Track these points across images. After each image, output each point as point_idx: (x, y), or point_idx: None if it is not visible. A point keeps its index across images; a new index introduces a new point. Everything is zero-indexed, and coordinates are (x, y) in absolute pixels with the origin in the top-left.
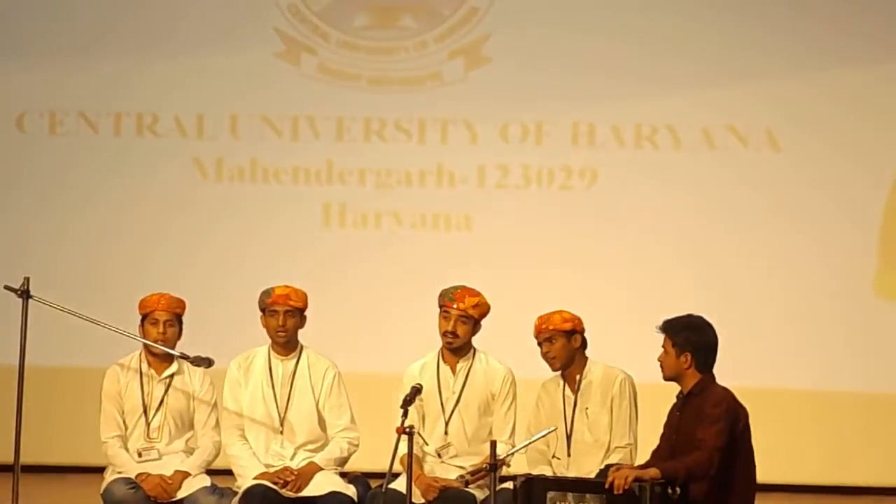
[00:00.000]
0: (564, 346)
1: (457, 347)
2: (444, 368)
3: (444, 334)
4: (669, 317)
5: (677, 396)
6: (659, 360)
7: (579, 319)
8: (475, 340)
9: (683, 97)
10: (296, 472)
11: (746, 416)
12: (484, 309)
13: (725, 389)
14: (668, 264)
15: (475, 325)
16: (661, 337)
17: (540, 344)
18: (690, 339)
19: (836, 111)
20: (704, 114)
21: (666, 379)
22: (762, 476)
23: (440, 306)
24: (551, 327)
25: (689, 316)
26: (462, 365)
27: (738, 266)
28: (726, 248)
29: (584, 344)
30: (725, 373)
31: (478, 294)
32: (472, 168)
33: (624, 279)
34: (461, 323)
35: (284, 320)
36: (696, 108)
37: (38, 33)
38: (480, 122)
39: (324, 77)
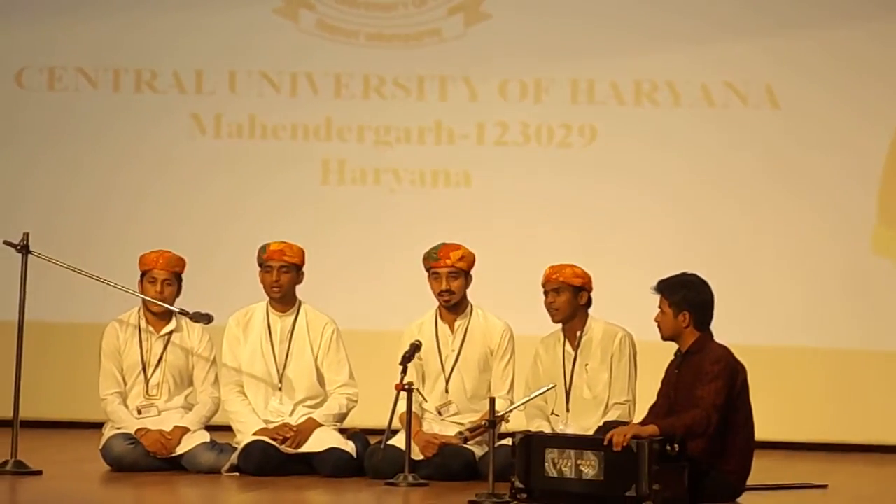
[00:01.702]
0: (570, 300)
1: (454, 304)
2: (443, 327)
3: (439, 294)
4: (664, 277)
5: (675, 354)
6: (656, 320)
7: (590, 278)
8: (472, 297)
9: (683, 54)
10: (295, 428)
11: (745, 373)
12: (470, 259)
13: (724, 347)
14: (666, 221)
15: (466, 278)
16: (658, 295)
17: (546, 293)
18: (687, 298)
19: (835, 68)
20: (704, 71)
21: (664, 338)
22: (760, 434)
23: (427, 269)
24: (561, 279)
25: (685, 274)
26: (460, 322)
27: (737, 223)
28: (725, 205)
29: (588, 302)
30: (723, 330)
31: (460, 247)
32: (472, 125)
33: (623, 236)
34: (452, 279)
35: (279, 276)
36: (695, 65)
37: None
38: (480, 79)
39: (322, 33)
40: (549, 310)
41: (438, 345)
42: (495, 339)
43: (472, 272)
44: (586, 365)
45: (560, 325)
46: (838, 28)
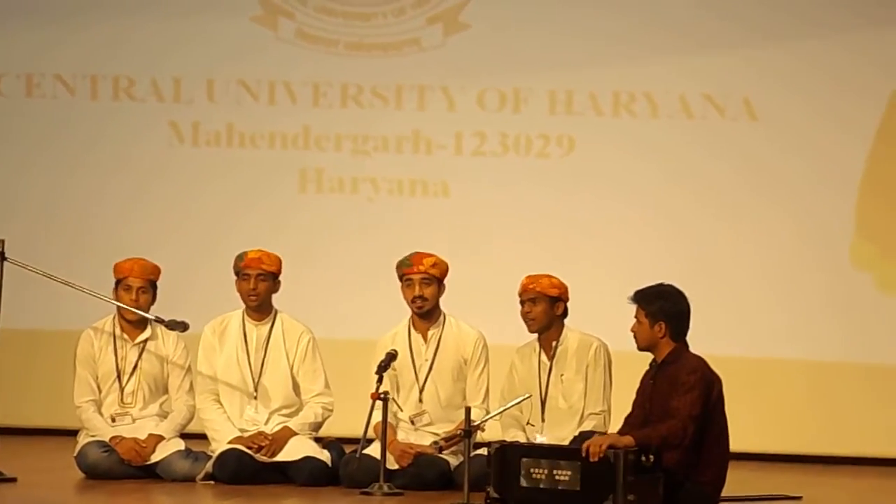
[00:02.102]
0: (546, 310)
1: (427, 312)
2: (416, 336)
3: (412, 301)
4: (641, 287)
5: (651, 364)
6: (632, 330)
7: (566, 288)
8: (449, 306)
9: (661, 65)
10: (270, 437)
11: (720, 384)
12: (443, 267)
13: (699, 358)
14: (644, 232)
15: (440, 286)
16: (634, 305)
17: (522, 303)
18: (664, 309)
19: (813, 80)
20: (682, 82)
21: (640, 349)
22: (736, 445)
23: (400, 277)
24: (538, 289)
25: (661, 285)
26: (433, 331)
27: (715, 234)
28: (703, 217)
29: (564, 312)
30: (701, 341)
31: (432, 255)
32: (450, 135)
33: (600, 247)
34: (425, 285)
35: (256, 284)
36: (673, 77)
37: None
38: (458, 89)
39: (301, 42)
40: (525, 320)
41: (412, 354)
42: (468, 348)
43: (449, 282)
44: (561, 375)
45: (536, 335)
46: (816, 40)
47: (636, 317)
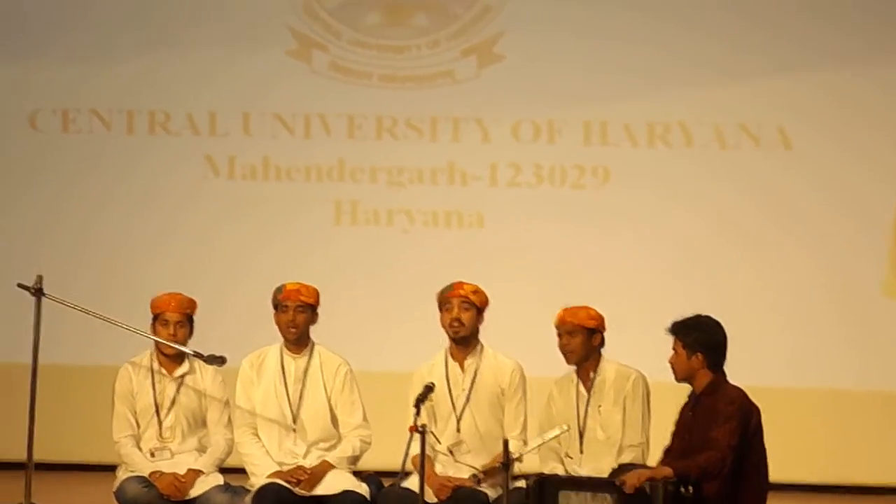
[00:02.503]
0: (584, 342)
1: (463, 339)
2: (453, 366)
3: (449, 325)
4: (678, 318)
5: (689, 395)
6: (670, 361)
7: (603, 319)
8: (485, 337)
9: (696, 96)
10: (308, 471)
11: (759, 414)
12: (482, 297)
13: (738, 388)
14: (679, 262)
15: (478, 314)
16: (672, 337)
17: (560, 335)
18: (700, 340)
19: (848, 112)
20: (716, 112)
21: (678, 380)
22: (775, 475)
23: (440, 304)
24: (576, 322)
25: (698, 316)
26: (470, 362)
27: (748, 264)
28: (736, 246)
29: (602, 343)
30: (735, 372)
31: (474, 284)
32: (485, 166)
33: (636, 278)
34: (464, 310)
35: (295, 316)
36: (708, 107)
37: (52, 31)
38: (492, 121)
39: (336, 75)
40: (563, 352)
41: (449, 385)
42: (506, 378)
43: (486, 313)
44: (599, 406)
45: (573, 367)
46: (850, 73)
47: (674, 348)
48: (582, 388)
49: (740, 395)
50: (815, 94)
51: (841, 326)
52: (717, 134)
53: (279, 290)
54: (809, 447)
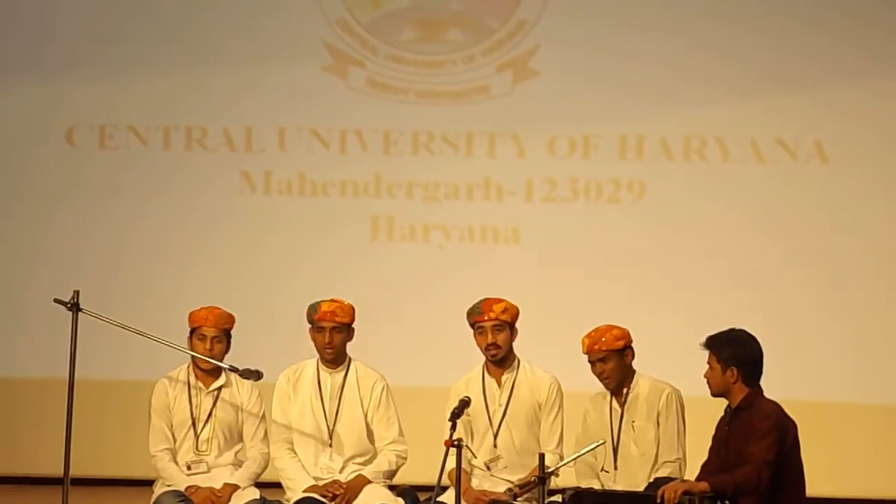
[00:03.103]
0: (618, 364)
1: (501, 358)
2: (490, 381)
3: (486, 349)
4: (712, 333)
5: (725, 410)
6: (705, 376)
7: (628, 333)
8: (521, 352)
9: (732, 109)
10: (344, 486)
11: (795, 429)
12: (513, 312)
13: (774, 403)
14: (716, 277)
15: (512, 331)
16: (707, 351)
17: (592, 363)
18: (735, 354)
19: (884, 121)
20: (753, 126)
21: (714, 395)
22: (811, 489)
23: (472, 325)
24: (604, 348)
25: (732, 330)
26: (507, 376)
27: (789, 279)
28: (774, 260)
29: (632, 357)
30: (772, 385)
31: (502, 300)
32: (520, 181)
33: (672, 292)
34: (497, 331)
35: (331, 337)
36: (744, 120)
37: (89, 47)
38: (528, 136)
39: (372, 90)
40: (600, 380)
41: (486, 399)
42: (543, 393)
43: (520, 328)
44: (633, 422)
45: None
46: (888, 81)
47: (709, 362)
48: (615, 404)
49: (776, 409)
50: (852, 107)
51: (883, 339)
52: (753, 148)
53: (314, 308)
54: (847, 461)
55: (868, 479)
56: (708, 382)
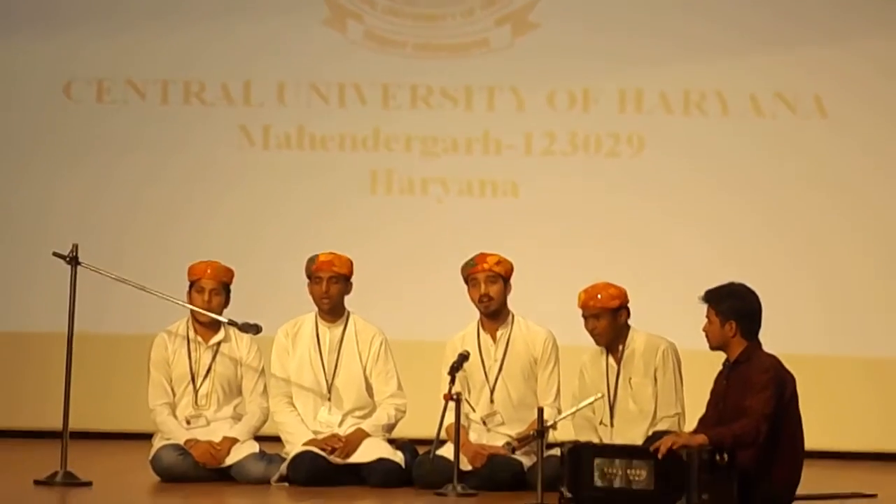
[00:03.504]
0: (611, 323)
1: (494, 311)
2: (485, 337)
3: (479, 301)
4: (711, 286)
5: (724, 364)
6: (704, 330)
7: (625, 293)
8: (517, 307)
9: (732, 64)
10: (343, 439)
11: (794, 383)
12: (507, 266)
13: (772, 356)
14: (715, 230)
15: (505, 285)
16: (705, 305)
17: (585, 318)
18: (734, 307)
19: (884, 80)
20: (753, 80)
21: (712, 348)
22: (810, 443)
23: (466, 279)
24: (599, 305)
25: (731, 284)
26: (502, 332)
27: (786, 232)
28: (773, 214)
29: (628, 317)
30: (769, 339)
31: (496, 254)
32: (519, 135)
33: (670, 246)
34: (490, 283)
35: (328, 287)
36: (744, 75)
37: (87, 2)
38: (527, 89)
39: (370, 44)
40: (591, 335)
41: (481, 355)
42: (538, 347)
43: (517, 282)
44: (630, 378)
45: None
46: (888, 39)
47: (707, 316)
48: (612, 361)
49: (775, 363)
50: (851, 62)
51: (878, 294)
52: (752, 102)
53: (311, 260)
54: (845, 415)
55: (866, 433)
56: (706, 336)
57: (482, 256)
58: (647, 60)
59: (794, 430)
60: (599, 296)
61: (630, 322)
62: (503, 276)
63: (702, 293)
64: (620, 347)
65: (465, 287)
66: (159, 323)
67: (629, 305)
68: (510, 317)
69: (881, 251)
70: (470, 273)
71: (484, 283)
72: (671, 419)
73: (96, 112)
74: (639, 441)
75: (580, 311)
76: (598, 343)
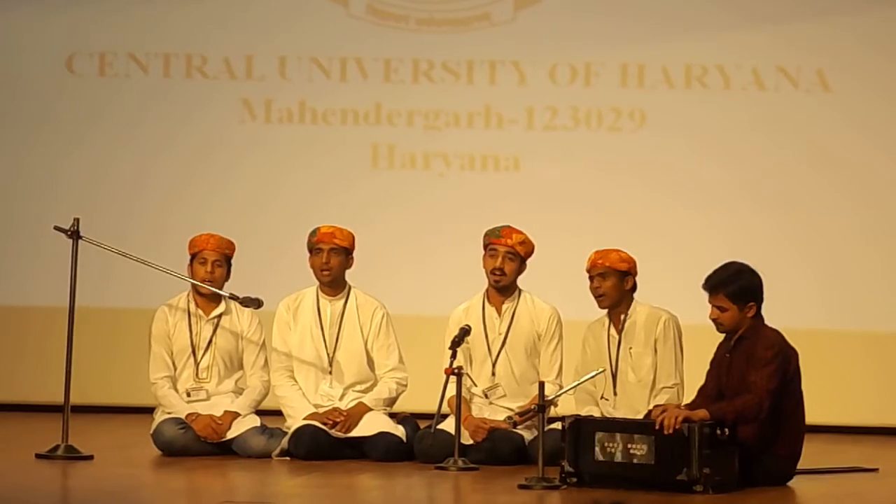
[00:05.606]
0: (615, 285)
1: (503, 287)
2: (490, 309)
3: (491, 272)
4: (710, 273)
5: (725, 336)
6: (714, 318)
7: (635, 262)
8: (520, 281)
9: (734, 38)
10: (345, 413)
11: (797, 358)
12: (529, 247)
13: (776, 332)
14: (716, 205)
15: (521, 264)
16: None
17: (591, 278)
18: (746, 288)
19: (887, 55)
20: (755, 55)
21: (726, 332)
22: (811, 417)
23: (486, 245)
24: (607, 264)
25: (729, 265)
26: (507, 306)
27: (787, 207)
28: (774, 189)
29: (634, 286)
30: (772, 313)
31: (523, 233)
32: (521, 109)
33: (672, 221)
34: (508, 260)
35: (328, 258)
36: (746, 49)
37: None
38: (529, 64)
39: (372, 18)
40: (594, 295)
41: (485, 328)
42: (543, 323)
43: (529, 262)
44: (630, 348)
45: (606, 310)
46: (882, 14)
47: (717, 304)
48: (613, 331)
49: (779, 338)
50: (854, 37)
51: (878, 268)
52: (755, 76)
53: (313, 233)
54: (846, 389)
55: (868, 408)
56: (719, 323)
57: (509, 231)
58: (648, 35)
59: (797, 405)
60: (609, 256)
61: (634, 296)
62: (522, 256)
63: (702, 284)
64: (622, 317)
65: (469, 260)
66: (161, 297)
67: (637, 278)
68: (517, 292)
69: (881, 226)
70: (492, 242)
71: (502, 257)
72: (670, 390)
73: (98, 86)
74: (640, 413)
75: (587, 273)
76: (600, 305)
